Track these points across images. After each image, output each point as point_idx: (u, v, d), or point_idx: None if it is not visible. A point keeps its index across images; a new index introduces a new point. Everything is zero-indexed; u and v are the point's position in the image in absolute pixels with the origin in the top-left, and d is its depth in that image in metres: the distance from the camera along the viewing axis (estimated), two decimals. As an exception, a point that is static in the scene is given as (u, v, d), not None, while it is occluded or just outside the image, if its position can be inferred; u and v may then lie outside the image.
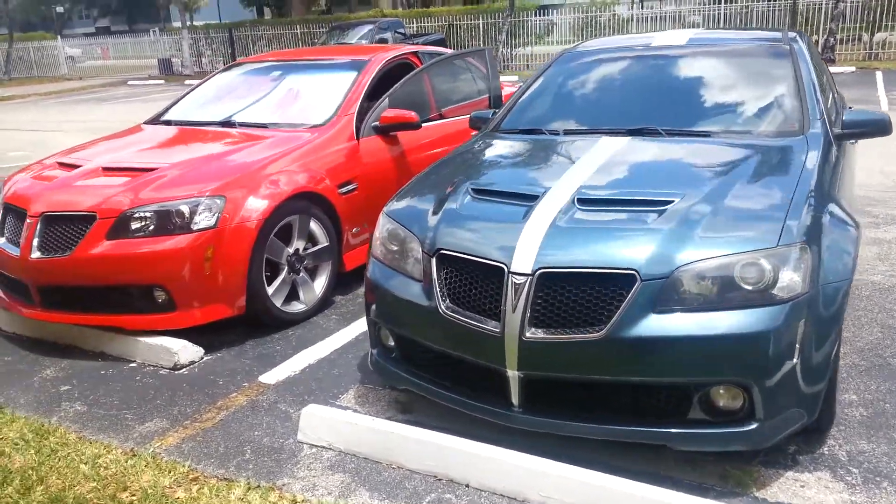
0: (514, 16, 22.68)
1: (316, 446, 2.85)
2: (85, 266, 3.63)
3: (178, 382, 3.49)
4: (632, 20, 22.16)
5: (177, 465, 2.76)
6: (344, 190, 4.41)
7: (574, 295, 2.38)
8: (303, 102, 4.99)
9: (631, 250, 2.38)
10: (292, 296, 4.15)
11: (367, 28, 20.35)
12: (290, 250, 4.09)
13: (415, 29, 23.54)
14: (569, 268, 2.40)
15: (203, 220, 3.68)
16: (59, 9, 45.40)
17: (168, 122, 5.09)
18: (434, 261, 2.69)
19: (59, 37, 34.30)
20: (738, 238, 2.39)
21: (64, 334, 3.95)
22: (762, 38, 3.99)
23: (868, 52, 19.19)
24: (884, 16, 18.72)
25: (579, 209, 2.62)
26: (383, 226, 3.06)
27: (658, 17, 21.96)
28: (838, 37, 18.77)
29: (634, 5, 23.78)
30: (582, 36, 22.06)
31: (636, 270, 2.33)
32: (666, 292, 2.31)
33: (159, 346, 3.66)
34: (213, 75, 5.70)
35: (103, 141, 4.89)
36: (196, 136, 4.71)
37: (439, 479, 2.59)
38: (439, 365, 2.80)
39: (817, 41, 18.34)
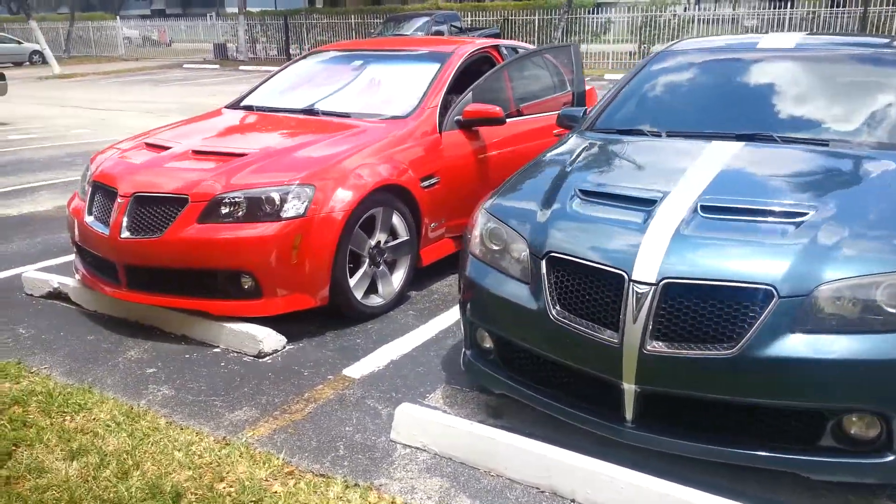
0: (571, 13, 22.41)
1: (410, 447, 2.78)
2: (175, 248, 3.62)
3: (263, 371, 3.46)
4: (693, 21, 21.71)
5: (271, 456, 2.72)
6: (426, 184, 4.34)
7: (702, 308, 2.27)
8: (385, 93, 4.93)
9: (767, 264, 2.25)
10: (370, 289, 4.09)
11: (423, 20, 20.30)
12: (372, 243, 4.04)
13: (469, 22, 23.41)
14: (698, 279, 2.28)
15: (292, 208, 3.64)
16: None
17: (249, 108, 5.08)
18: (543, 263, 2.60)
19: (118, 17, 34.92)
20: (882, 257, 2.25)
21: (146, 315, 3.95)
22: (879, 44, 3.79)
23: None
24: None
25: (703, 217, 2.49)
26: (484, 223, 2.97)
27: (721, 20, 21.48)
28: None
29: (691, 6, 23.23)
30: (640, 36, 21.70)
31: (773, 286, 2.20)
32: (804, 311, 2.18)
33: (244, 332, 3.63)
34: (292, 63, 5.67)
35: (187, 123, 4.90)
36: (280, 123, 4.68)
37: (542, 492, 2.50)
38: (542, 371, 2.71)
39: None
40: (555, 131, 5.01)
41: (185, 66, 28.12)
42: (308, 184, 3.70)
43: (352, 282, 3.91)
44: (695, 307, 2.28)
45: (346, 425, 2.97)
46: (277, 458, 2.71)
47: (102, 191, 3.95)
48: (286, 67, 5.61)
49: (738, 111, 3.52)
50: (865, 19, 18.85)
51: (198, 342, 3.77)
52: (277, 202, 3.63)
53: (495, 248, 2.87)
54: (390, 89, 4.97)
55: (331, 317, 3.95)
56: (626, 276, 2.36)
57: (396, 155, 4.20)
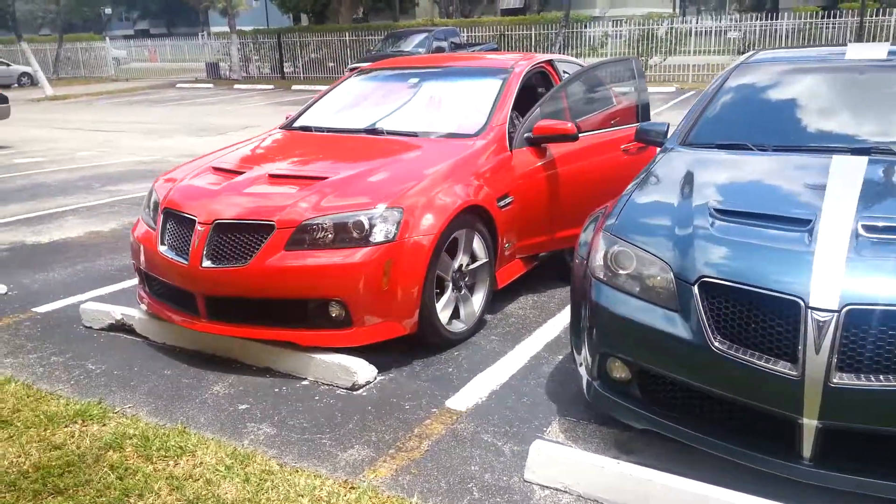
0: (569, 27, 22.48)
1: (549, 488, 2.62)
2: (262, 277, 3.45)
3: (361, 404, 3.28)
4: (690, 34, 21.85)
5: (404, 501, 2.54)
6: (502, 203, 4.19)
7: (891, 336, 2.14)
8: (448, 111, 4.80)
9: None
10: (452, 314, 3.94)
11: (422, 36, 20.26)
12: (455, 266, 3.89)
13: (465, 38, 23.40)
14: (884, 304, 2.15)
15: (381, 232, 3.48)
16: (108, 10, 45.91)
17: (307, 129, 4.92)
18: (696, 289, 2.46)
19: (106, 38, 34.65)
20: None
21: (223, 347, 3.76)
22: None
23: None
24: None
25: (870, 237, 2.37)
26: (608, 246, 2.83)
27: (723, 31, 21.62)
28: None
29: (676, 19, 23.36)
30: (637, 49, 21.78)
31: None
32: None
33: (336, 364, 3.45)
34: (342, 81, 5.52)
35: (246, 145, 4.73)
36: (347, 143, 4.52)
37: (708, 533, 2.35)
38: (695, 404, 2.56)
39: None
40: (623, 146, 4.90)
41: (177, 85, 27.89)
42: (396, 207, 3.54)
43: (438, 307, 3.75)
44: (882, 334, 2.14)
45: (471, 464, 2.80)
46: (410, 503, 2.54)
47: (176, 218, 3.77)
48: (335, 87, 5.46)
49: (846, 123, 3.42)
50: (862, 29, 19.04)
51: (283, 374, 3.58)
52: (366, 226, 3.48)
53: (624, 271, 2.73)
54: (453, 107, 4.84)
55: (411, 345, 3.78)
56: (802, 303, 2.22)
57: (474, 174, 4.06)
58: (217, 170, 4.09)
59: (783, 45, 20.41)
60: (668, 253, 2.61)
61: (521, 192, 4.36)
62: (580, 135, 4.73)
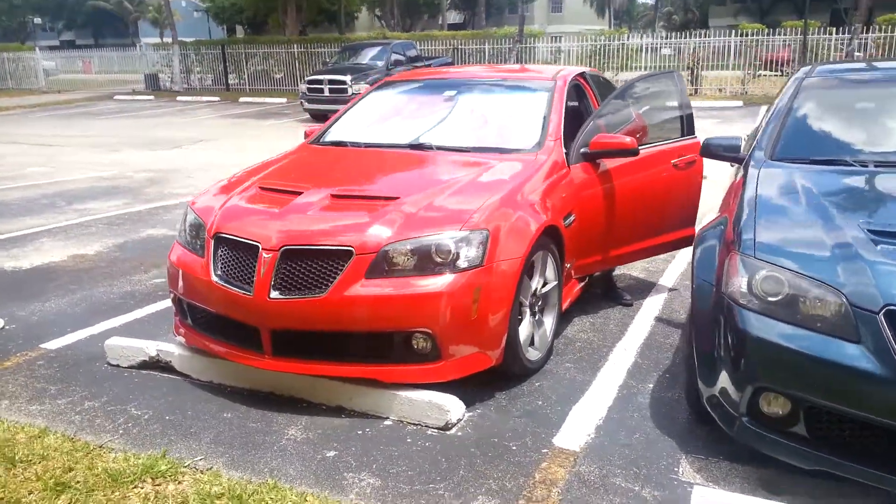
0: (523, 42, 22.58)
1: (718, 536, 2.38)
2: (341, 308, 3.11)
3: (461, 446, 2.97)
4: (641, 49, 22.25)
5: (566, 562, 2.26)
6: (567, 222, 3.96)
7: None
8: (494, 125, 4.54)
9: None
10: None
11: (377, 49, 19.94)
12: (532, 289, 3.63)
13: (420, 51, 23.23)
14: None
15: (468, 256, 3.19)
16: (37, 19, 43.85)
17: (341, 144, 4.58)
18: (881, 318, 2.27)
19: (36, 48, 33.02)
20: None
21: (286, 385, 3.39)
22: None
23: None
24: (893, 53, 19.11)
25: None
26: (754, 271, 2.61)
27: (675, 48, 22.06)
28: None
29: (627, 36, 23.77)
30: (590, 63, 22.03)
31: None
32: None
33: (426, 401, 3.13)
34: (368, 93, 5.19)
35: (280, 161, 4.36)
36: (397, 159, 4.21)
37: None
38: (873, 440, 2.36)
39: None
40: (673, 160, 4.73)
41: (115, 97, 26.71)
42: (481, 229, 3.26)
43: (521, 335, 3.48)
44: None
45: (616, 512, 2.53)
46: (573, 563, 2.26)
47: (232, 244, 3.38)
48: (362, 99, 5.13)
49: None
50: (805, 46, 19.74)
51: (359, 414, 3.24)
52: (452, 251, 3.18)
53: (775, 298, 2.53)
54: (497, 121, 4.58)
55: (482, 376, 3.45)
56: None
57: (543, 192, 3.81)
58: (267, 190, 3.73)
59: (723, 60, 21.01)
60: (836, 278, 2.42)
61: (581, 209, 4.14)
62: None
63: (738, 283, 2.64)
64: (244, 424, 3.17)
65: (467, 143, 4.29)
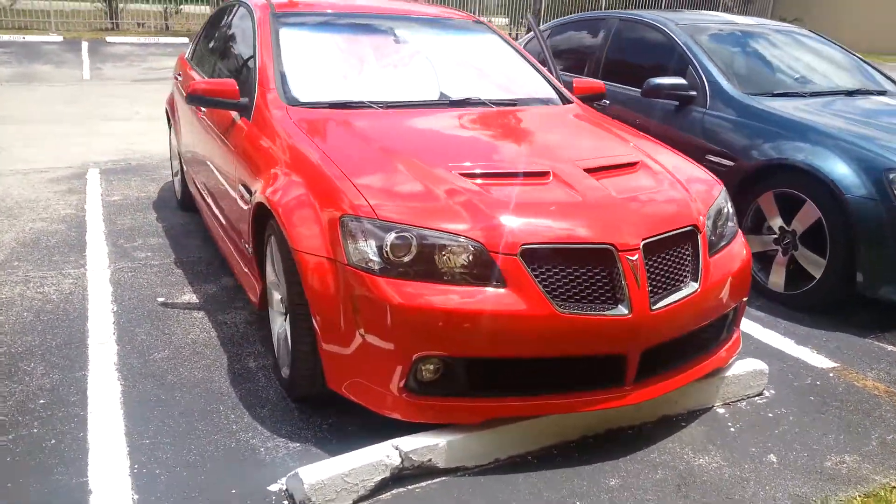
0: None
1: None
2: (710, 299, 2.65)
3: (812, 408, 2.94)
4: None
5: None
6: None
7: None
8: (488, 73, 3.96)
9: None
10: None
11: None
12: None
13: None
14: None
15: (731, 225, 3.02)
16: None
17: (349, 105, 3.25)
18: None
19: None
20: None
21: (591, 421, 2.63)
22: None
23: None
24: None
25: None
26: None
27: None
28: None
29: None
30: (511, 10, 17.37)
31: None
32: None
33: (745, 373, 2.96)
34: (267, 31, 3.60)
35: (357, 139, 2.92)
36: (481, 120, 3.35)
37: None
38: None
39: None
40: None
41: None
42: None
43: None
44: None
45: None
46: None
47: (558, 256, 2.34)
48: (281, 45, 3.58)
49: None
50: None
51: (684, 415, 2.81)
52: (731, 216, 3.00)
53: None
54: (486, 68, 3.99)
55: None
56: None
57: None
58: (484, 175, 2.60)
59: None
60: None
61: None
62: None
63: None
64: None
65: (503, 95, 3.69)
